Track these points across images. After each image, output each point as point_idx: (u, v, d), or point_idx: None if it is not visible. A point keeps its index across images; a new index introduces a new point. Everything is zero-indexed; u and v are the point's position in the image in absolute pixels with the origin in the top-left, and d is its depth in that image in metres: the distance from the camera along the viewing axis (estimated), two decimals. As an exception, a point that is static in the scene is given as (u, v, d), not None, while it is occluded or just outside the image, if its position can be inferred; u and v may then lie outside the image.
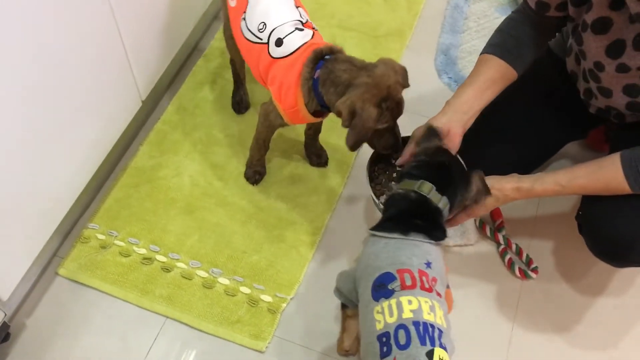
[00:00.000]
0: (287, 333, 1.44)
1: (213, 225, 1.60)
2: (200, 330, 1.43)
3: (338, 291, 1.25)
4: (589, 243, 1.35)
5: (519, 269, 1.52)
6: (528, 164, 1.50)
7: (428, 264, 1.08)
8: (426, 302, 1.03)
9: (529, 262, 1.53)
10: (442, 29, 2.04)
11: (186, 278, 1.50)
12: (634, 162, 1.19)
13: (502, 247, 1.56)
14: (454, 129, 1.30)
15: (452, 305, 1.26)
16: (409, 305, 1.02)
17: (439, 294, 1.06)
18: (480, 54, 1.39)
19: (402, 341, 0.99)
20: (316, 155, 1.70)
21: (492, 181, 1.28)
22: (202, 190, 1.66)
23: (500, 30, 1.40)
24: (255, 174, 1.66)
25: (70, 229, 1.59)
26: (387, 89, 1.23)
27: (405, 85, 1.29)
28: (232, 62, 1.74)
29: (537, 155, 1.51)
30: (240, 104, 1.79)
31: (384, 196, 1.39)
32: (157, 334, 1.43)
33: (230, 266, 1.53)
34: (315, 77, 1.29)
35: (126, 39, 1.46)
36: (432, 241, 1.11)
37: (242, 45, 1.45)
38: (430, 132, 1.25)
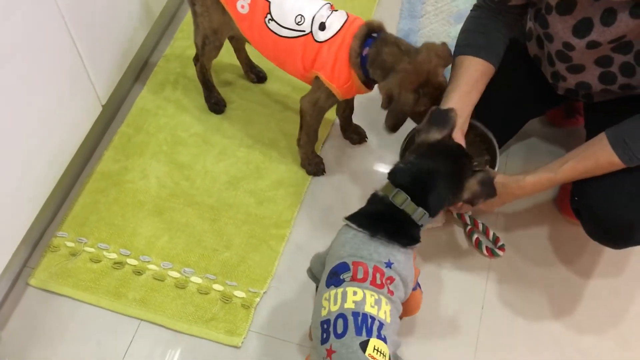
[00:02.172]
0: (262, 327, 1.45)
1: (182, 225, 1.60)
2: (175, 331, 1.44)
3: (310, 271, 1.27)
4: (588, 228, 1.35)
5: (487, 247, 1.55)
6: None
7: (388, 264, 1.08)
8: (372, 295, 1.04)
9: (495, 240, 1.56)
10: (400, 14, 2.05)
11: (158, 280, 1.51)
12: (619, 135, 1.21)
13: (469, 227, 1.59)
14: (454, 136, 1.29)
15: (418, 307, 1.26)
16: (353, 296, 1.03)
17: (390, 292, 1.06)
18: (454, 57, 1.38)
19: (340, 330, 1.01)
20: (355, 133, 1.75)
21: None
22: (169, 191, 1.66)
23: (467, 30, 1.40)
24: (317, 165, 1.68)
25: (38, 239, 1.58)
26: (426, 75, 1.29)
27: (448, 62, 1.34)
28: (203, 70, 1.70)
29: (500, 133, 1.53)
30: (218, 104, 1.79)
31: None
32: (133, 337, 1.44)
33: (201, 265, 1.53)
34: (364, 54, 1.35)
35: (80, 45, 1.46)
36: (398, 245, 1.10)
37: (278, 46, 1.43)
38: (434, 118, 1.15)
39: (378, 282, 1.05)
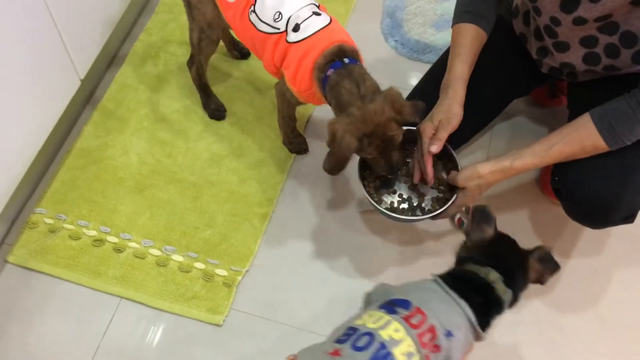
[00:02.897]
0: (244, 305, 1.45)
1: (164, 202, 1.58)
2: (156, 309, 1.43)
3: (368, 295, 1.24)
4: (568, 207, 1.36)
5: (469, 227, 1.56)
6: (478, 123, 1.53)
7: (448, 333, 1.03)
8: (409, 345, 0.99)
9: (478, 220, 1.56)
10: (387, -9, 2.02)
11: (139, 257, 1.49)
12: (605, 118, 1.21)
13: (452, 207, 1.59)
14: (454, 109, 1.32)
15: None
16: (394, 332, 1.00)
17: (427, 358, 1.01)
18: (454, 23, 1.38)
19: (360, 344, 0.98)
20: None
21: (469, 170, 1.29)
22: (150, 167, 1.63)
23: None
24: (299, 144, 1.66)
25: (16, 215, 1.55)
26: (373, 127, 1.22)
27: (404, 118, 1.26)
28: (200, 72, 1.65)
29: (484, 112, 1.52)
30: (219, 110, 1.72)
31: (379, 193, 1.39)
32: (113, 314, 1.43)
33: (183, 243, 1.52)
34: (327, 74, 1.29)
35: (58, 17, 1.42)
36: (474, 325, 1.06)
37: (255, 38, 1.40)
38: (479, 217, 1.19)
39: (425, 340, 1.01)
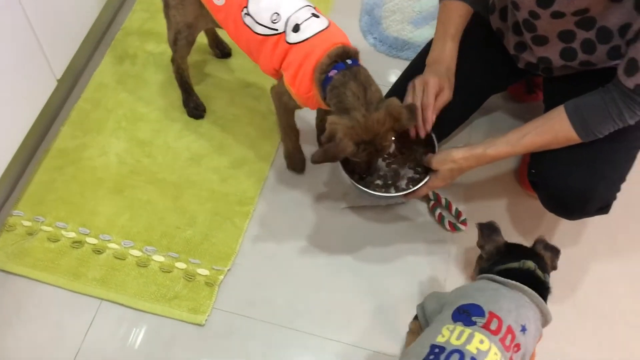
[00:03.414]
0: (227, 304, 1.44)
1: (144, 203, 1.57)
2: (138, 310, 1.42)
3: (421, 307, 1.24)
4: (544, 199, 1.39)
5: (449, 222, 1.57)
6: (458, 116, 1.55)
7: (523, 329, 1.07)
8: (496, 353, 1.01)
9: (457, 215, 1.58)
10: (365, -12, 2.03)
11: (119, 258, 1.48)
12: (578, 110, 1.23)
13: (432, 202, 1.60)
14: (444, 84, 1.36)
15: None
16: (479, 344, 1.01)
17: (511, 359, 1.04)
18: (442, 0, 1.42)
19: None
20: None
21: (443, 154, 1.32)
22: (130, 168, 1.62)
23: None
24: (298, 163, 1.62)
25: (-7, 218, 1.53)
26: (372, 135, 1.24)
27: (402, 128, 1.29)
28: (180, 70, 1.64)
29: (464, 106, 1.53)
30: (198, 109, 1.71)
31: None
32: (93, 317, 1.41)
33: (164, 243, 1.51)
34: (329, 75, 1.28)
35: (32, 17, 1.40)
36: (539, 301, 1.12)
37: (251, 41, 1.38)
38: (487, 231, 1.30)
39: (507, 342, 1.03)
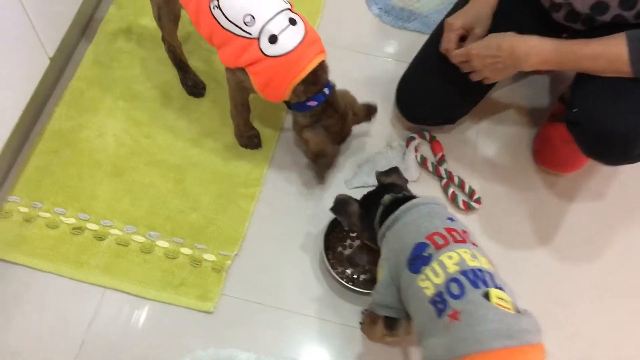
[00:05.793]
0: (235, 290, 1.40)
1: (145, 186, 1.51)
2: (143, 297, 1.37)
3: (382, 307, 1.15)
4: (585, 140, 1.31)
5: (463, 201, 1.52)
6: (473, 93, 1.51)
7: (450, 219, 1.11)
8: (464, 252, 1.03)
9: (471, 193, 1.53)
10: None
11: (122, 245, 1.43)
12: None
13: (445, 180, 1.55)
14: (477, 30, 1.36)
15: None
16: (450, 260, 1.01)
17: (474, 244, 1.06)
18: None
19: (456, 292, 0.98)
20: None
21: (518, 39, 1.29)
22: (129, 149, 1.55)
23: None
24: (250, 139, 1.56)
25: (-12, 205, 1.47)
26: (348, 130, 1.44)
27: (361, 121, 1.50)
28: (172, 48, 1.57)
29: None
30: (197, 87, 1.63)
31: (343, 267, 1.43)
32: (98, 305, 1.36)
33: (168, 228, 1.46)
34: (307, 104, 1.33)
35: (21, -10, 1.31)
36: (430, 199, 1.16)
37: (215, 32, 1.29)
38: (338, 212, 1.30)
39: (459, 238, 1.05)
